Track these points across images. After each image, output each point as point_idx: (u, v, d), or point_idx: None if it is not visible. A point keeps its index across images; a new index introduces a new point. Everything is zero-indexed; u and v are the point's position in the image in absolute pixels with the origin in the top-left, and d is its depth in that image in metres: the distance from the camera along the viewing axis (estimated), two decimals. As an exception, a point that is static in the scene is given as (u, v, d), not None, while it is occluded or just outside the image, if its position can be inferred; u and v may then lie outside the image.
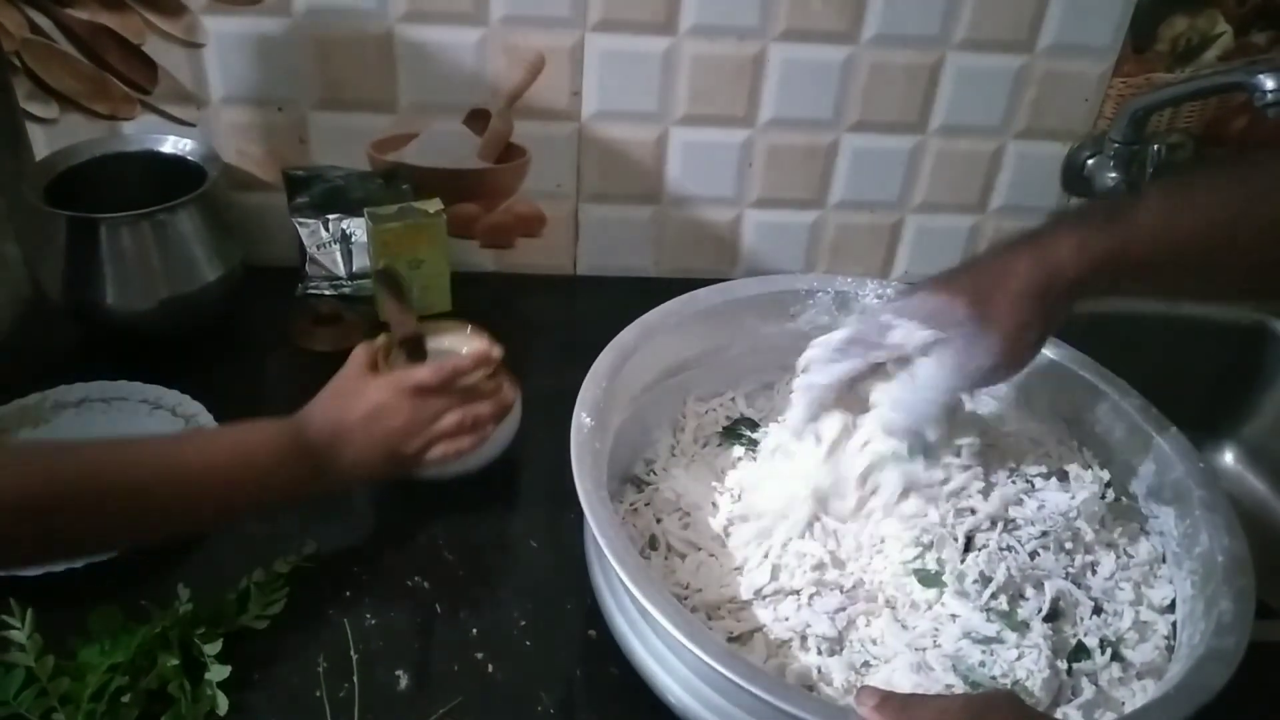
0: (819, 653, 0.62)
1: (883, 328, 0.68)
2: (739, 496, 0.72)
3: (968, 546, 0.67)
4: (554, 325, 1.02)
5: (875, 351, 0.69)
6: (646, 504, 0.73)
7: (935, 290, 0.66)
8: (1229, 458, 1.09)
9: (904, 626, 0.64)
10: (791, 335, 0.82)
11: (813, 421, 0.71)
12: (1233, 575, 0.63)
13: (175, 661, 0.62)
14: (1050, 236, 0.64)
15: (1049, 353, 0.78)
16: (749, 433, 0.79)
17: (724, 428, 0.80)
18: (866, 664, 0.62)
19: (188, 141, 0.93)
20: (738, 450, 0.77)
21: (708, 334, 0.79)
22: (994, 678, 0.60)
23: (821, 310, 0.82)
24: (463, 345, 0.79)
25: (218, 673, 0.63)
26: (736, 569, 0.67)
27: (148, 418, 0.82)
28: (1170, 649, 0.65)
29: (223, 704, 0.62)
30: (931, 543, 0.66)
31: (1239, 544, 0.65)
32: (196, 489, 0.62)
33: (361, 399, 0.68)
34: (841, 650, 0.62)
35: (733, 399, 0.82)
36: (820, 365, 0.71)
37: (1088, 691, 0.61)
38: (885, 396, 0.69)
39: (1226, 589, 0.62)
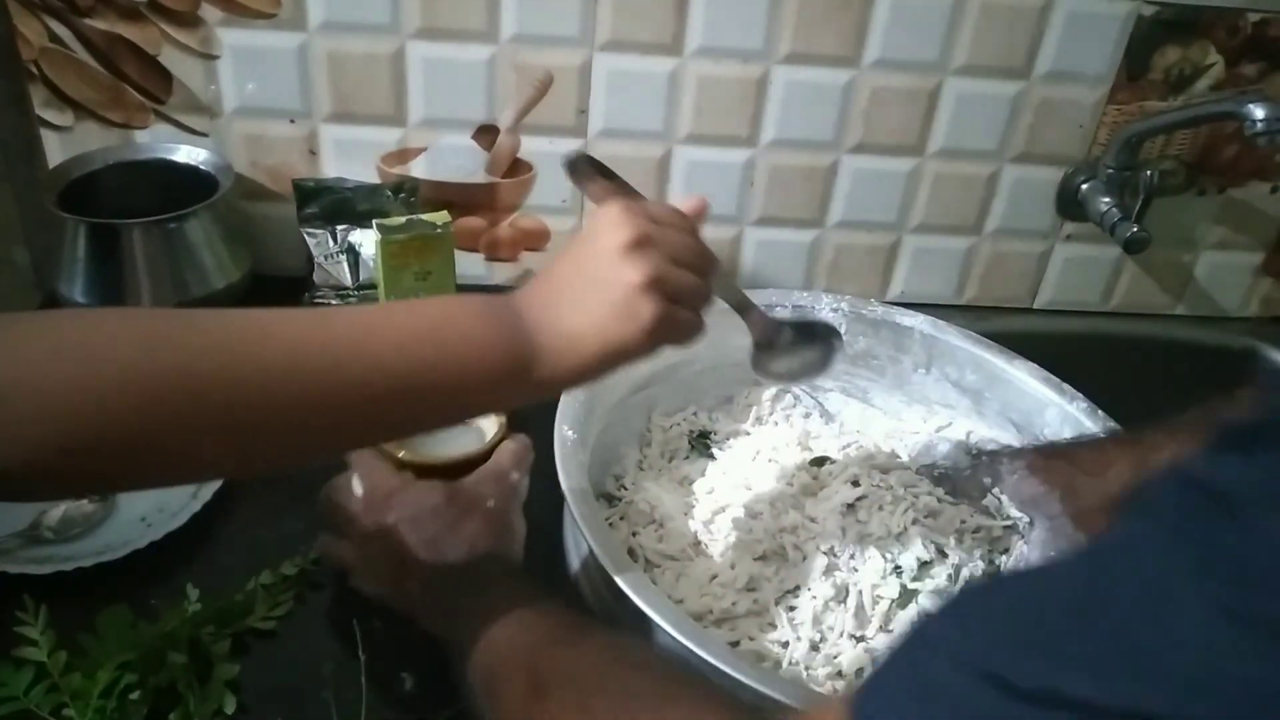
0: (806, 653, 0.63)
1: (982, 488, 0.72)
2: (711, 505, 0.74)
3: (939, 549, 0.69)
4: (556, 338, 1.04)
5: (968, 497, 0.73)
6: (621, 518, 0.74)
7: (1034, 473, 0.70)
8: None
9: (884, 629, 0.65)
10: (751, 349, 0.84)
11: None
12: None
13: (184, 660, 0.63)
14: (1148, 442, 0.67)
15: (1000, 363, 0.81)
16: (713, 445, 0.81)
17: (689, 440, 0.81)
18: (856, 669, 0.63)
19: (200, 151, 0.95)
20: (703, 462, 0.79)
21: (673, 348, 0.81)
22: None
23: None
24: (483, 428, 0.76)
25: (226, 672, 0.64)
26: (715, 577, 0.68)
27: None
28: None
29: (230, 703, 0.63)
30: (901, 549, 0.68)
31: None
32: (378, 384, 0.46)
33: (590, 252, 0.51)
34: (821, 651, 0.64)
35: (695, 413, 0.84)
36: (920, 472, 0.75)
37: None
38: None
39: None
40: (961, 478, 0.73)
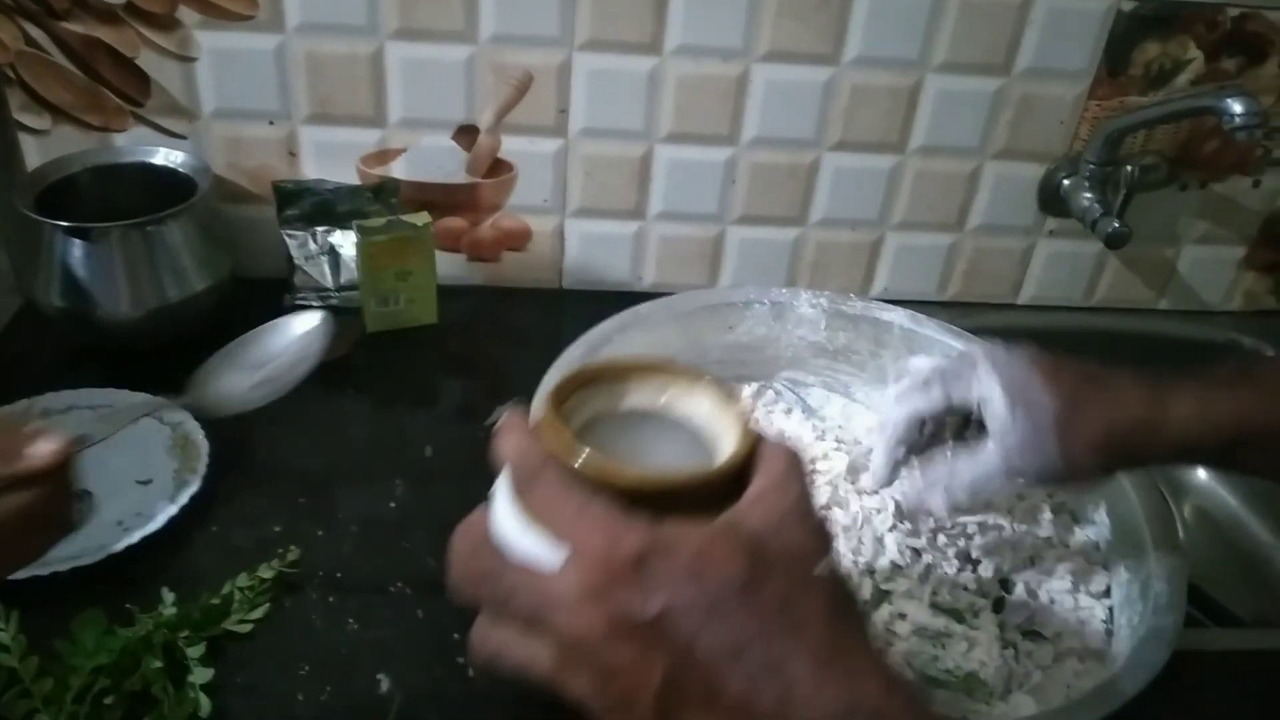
0: None
1: (971, 371, 0.63)
2: None
3: (914, 551, 0.68)
4: (539, 339, 1.03)
5: (956, 391, 0.63)
6: None
7: (1037, 366, 0.61)
8: (1202, 473, 1.11)
9: None
10: (730, 346, 0.84)
11: (895, 468, 0.67)
12: (1164, 557, 0.65)
13: (159, 664, 0.63)
14: (1173, 386, 0.60)
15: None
16: None
17: None
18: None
19: (179, 154, 0.94)
20: None
21: (651, 348, 0.81)
22: (948, 671, 0.62)
23: (759, 321, 0.84)
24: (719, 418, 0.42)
25: (201, 675, 0.63)
26: None
27: (134, 425, 0.82)
28: (1109, 633, 0.67)
29: (205, 706, 0.62)
30: (875, 552, 0.68)
31: (1169, 527, 0.67)
32: None
33: None
34: None
35: None
36: (903, 396, 0.66)
37: (1036, 677, 0.63)
38: (922, 474, 0.66)
39: (1160, 570, 0.64)
40: (951, 368, 0.65)
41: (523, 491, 0.38)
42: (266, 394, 0.65)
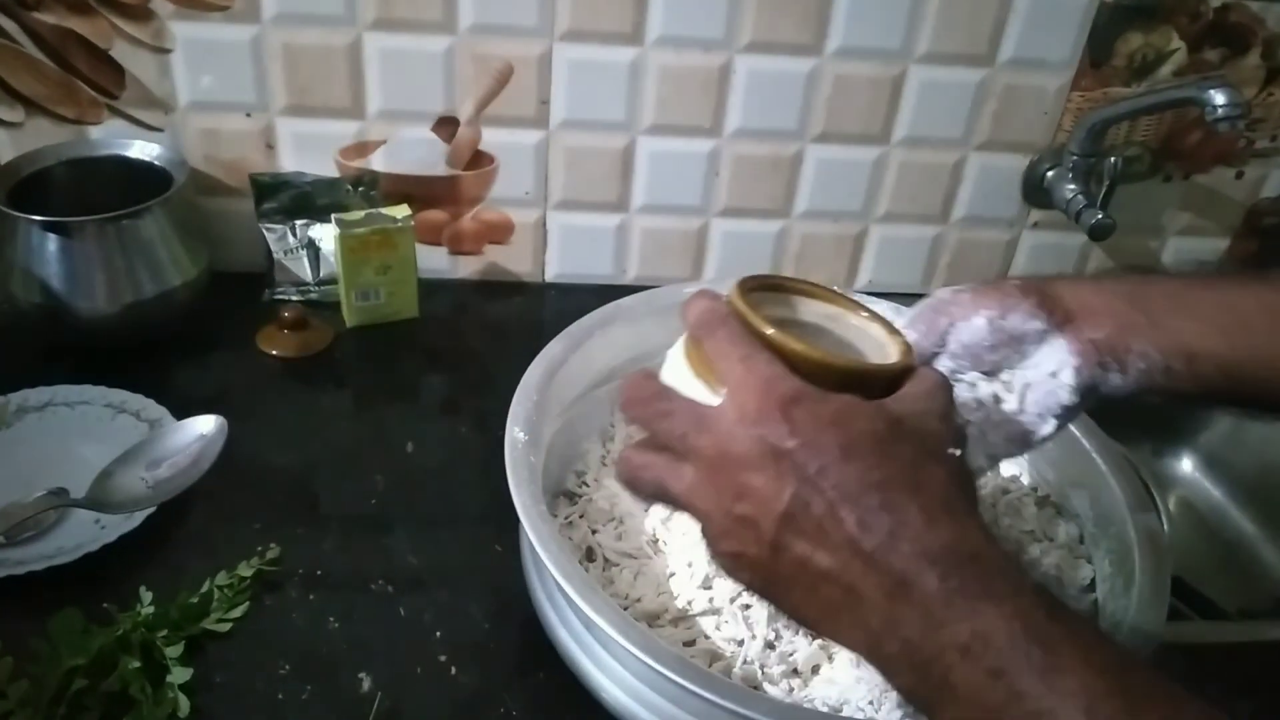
0: (760, 651, 0.62)
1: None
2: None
3: None
4: (521, 333, 1.03)
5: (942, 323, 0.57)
6: (581, 516, 0.73)
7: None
8: (1187, 465, 1.11)
9: None
10: None
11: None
12: (1147, 551, 0.65)
13: (137, 664, 0.62)
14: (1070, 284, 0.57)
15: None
16: None
17: None
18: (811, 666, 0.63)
19: (155, 146, 0.93)
20: None
21: (633, 341, 0.80)
22: None
23: None
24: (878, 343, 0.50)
25: (179, 675, 0.63)
26: (672, 575, 0.67)
27: (111, 422, 0.82)
28: None
29: (184, 706, 0.62)
30: None
31: (1152, 520, 0.67)
32: None
33: None
34: (776, 649, 0.63)
35: None
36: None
37: None
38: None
39: (1143, 564, 0.64)
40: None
41: (702, 338, 0.45)
42: (164, 492, 0.73)
